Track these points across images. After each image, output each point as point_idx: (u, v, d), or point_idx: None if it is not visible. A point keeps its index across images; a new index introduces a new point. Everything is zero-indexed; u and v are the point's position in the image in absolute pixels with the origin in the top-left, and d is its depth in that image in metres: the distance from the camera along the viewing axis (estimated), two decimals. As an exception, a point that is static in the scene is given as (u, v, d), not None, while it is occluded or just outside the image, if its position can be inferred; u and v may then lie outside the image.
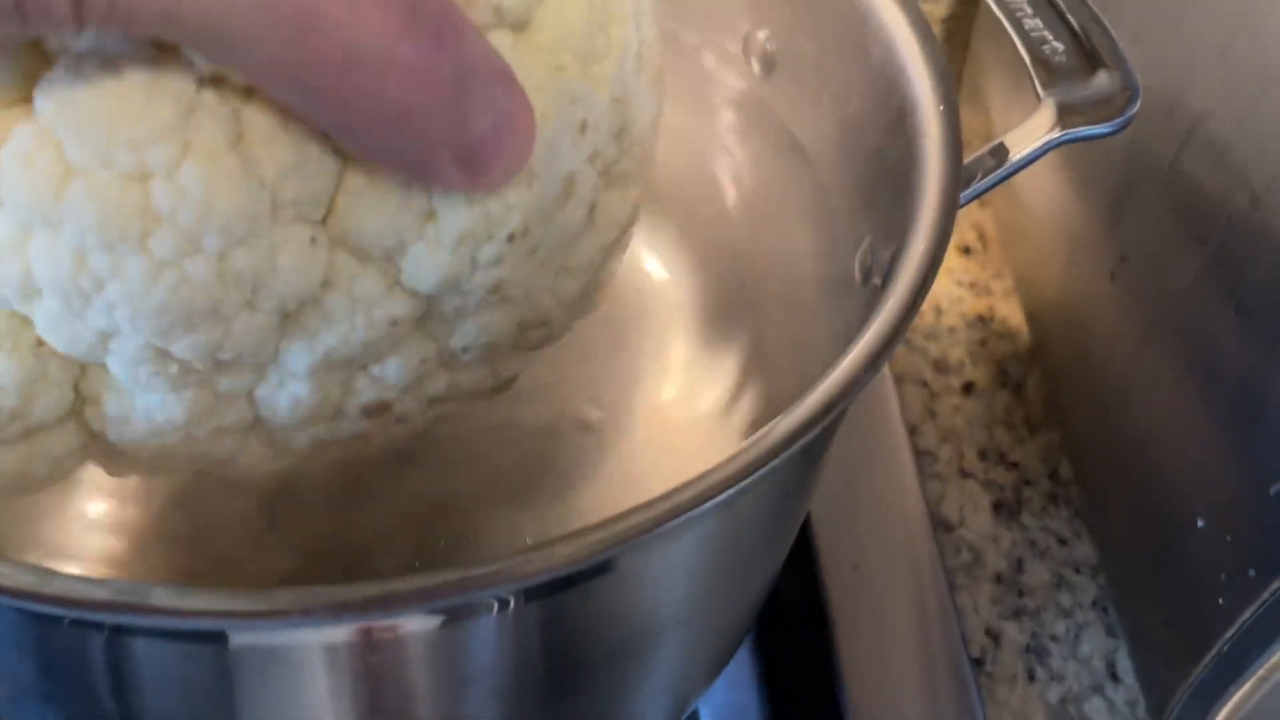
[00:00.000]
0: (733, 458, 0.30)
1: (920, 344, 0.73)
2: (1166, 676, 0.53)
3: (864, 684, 0.57)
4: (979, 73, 0.75)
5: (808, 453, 0.37)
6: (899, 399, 0.69)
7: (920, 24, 0.42)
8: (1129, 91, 0.40)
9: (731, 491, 0.29)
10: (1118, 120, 0.39)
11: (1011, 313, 0.74)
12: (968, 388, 0.71)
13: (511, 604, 0.31)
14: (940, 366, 0.72)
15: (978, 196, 0.39)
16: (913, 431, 0.68)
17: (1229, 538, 0.46)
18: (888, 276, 0.34)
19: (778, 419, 0.30)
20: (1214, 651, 0.47)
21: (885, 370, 0.69)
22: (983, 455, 0.68)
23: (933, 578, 0.61)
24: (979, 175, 0.40)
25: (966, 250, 0.78)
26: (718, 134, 0.46)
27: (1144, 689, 0.57)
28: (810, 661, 0.58)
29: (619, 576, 0.33)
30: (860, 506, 0.63)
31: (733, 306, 0.41)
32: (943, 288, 0.76)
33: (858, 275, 0.39)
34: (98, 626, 0.27)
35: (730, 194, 0.44)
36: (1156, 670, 0.56)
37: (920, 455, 0.67)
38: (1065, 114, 0.40)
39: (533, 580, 0.29)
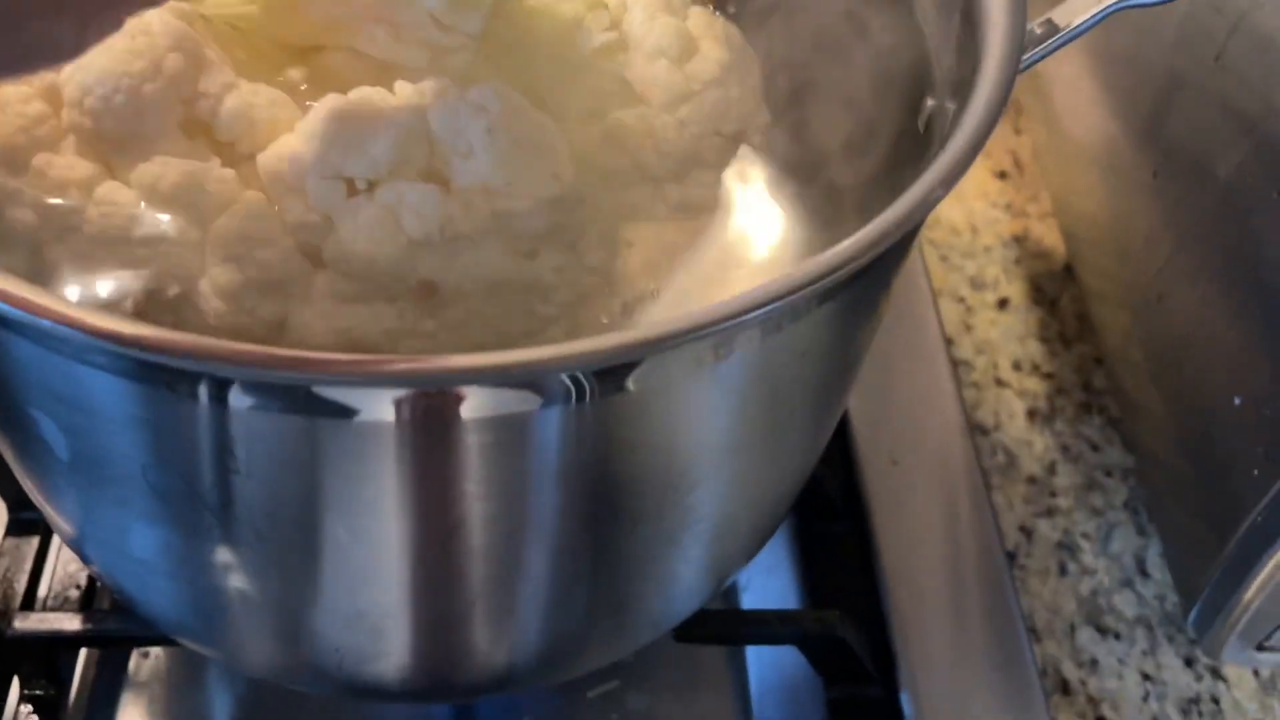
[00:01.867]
0: (808, 263, 0.31)
1: (957, 261, 0.74)
2: (1197, 562, 0.55)
3: (901, 573, 0.59)
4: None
5: (873, 281, 0.38)
6: (936, 313, 0.70)
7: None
8: (1183, -38, 0.41)
9: (809, 290, 0.31)
10: (1173, -12, 0.41)
11: (1046, 234, 0.76)
12: (1003, 303, 0.73)
13: (587, 391, 0.32)
14: (976, 283, 0.74)
15: (1037, 61, 0.41)
16: (950, 343, 0.70)
17: (1266, 411, 0.48)
18: (954, 118, 0.36)
19: (862, 231, 0.32)
20: (1248, 523, 0.48)
21: (924, 283, 0.70)
22: (1017, 366, 0.70)
23: (968, 476, 0.63)
24: (1037, 44, 0.42)
25: (1002, 175, 0.80)
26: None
27: (1175, 579, 0.59)
28: (849, 550, 0.60)
29: (675, 382, 0.33)
30: (899, 407, 0.65)
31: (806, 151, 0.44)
32: (979, 209, 0.77)
33: (920, 128, 0.41)
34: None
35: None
36: (1188, 559, 0.57)
37: (957, 365, 0.69)
38: (1121, -18, 0.41)
39: (607, 360, 0.30)
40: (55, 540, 0.57)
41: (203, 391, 0.30)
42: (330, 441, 0.31)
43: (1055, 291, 0.73)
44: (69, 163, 0.38)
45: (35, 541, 0.56)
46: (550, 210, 0.39)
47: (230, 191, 0.38)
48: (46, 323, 0.28)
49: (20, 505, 0.57)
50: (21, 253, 0.38)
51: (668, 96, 0.43)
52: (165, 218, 0.37)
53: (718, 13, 0.47)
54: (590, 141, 0.42)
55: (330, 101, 0.38)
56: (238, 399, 0.30)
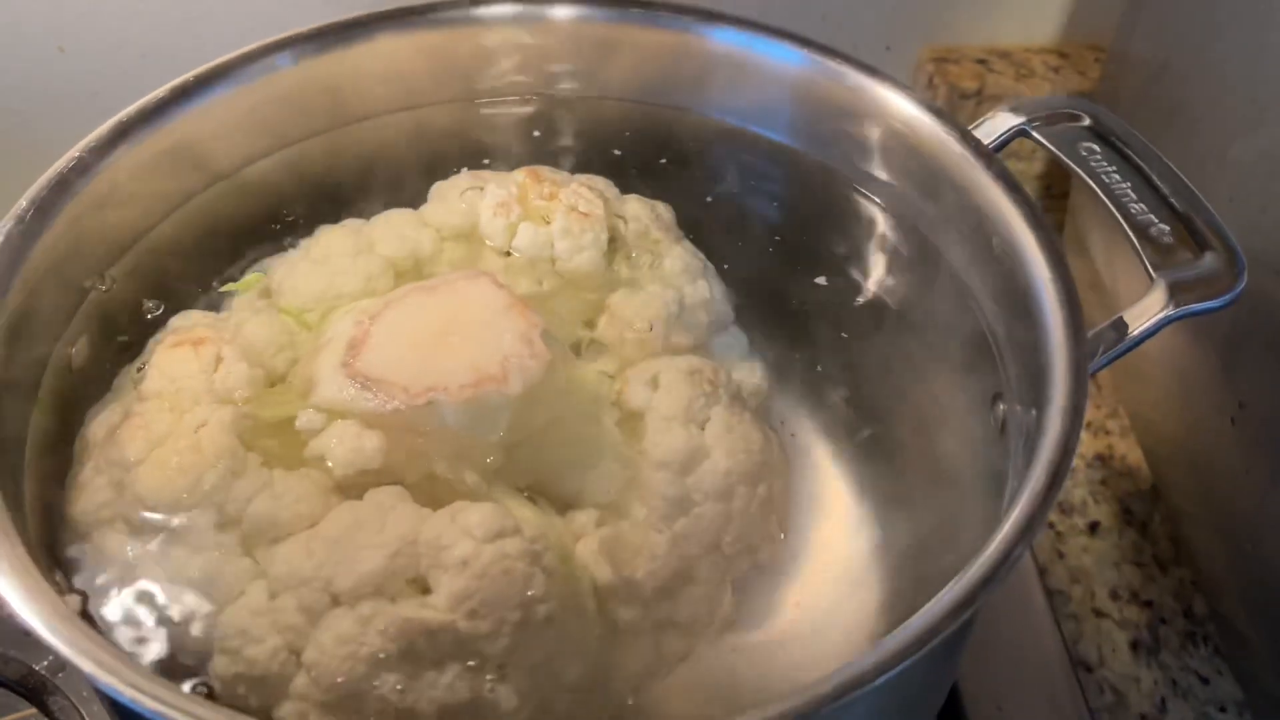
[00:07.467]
0: (895, 634, 0.34)
1: (1043, 485, 0.75)
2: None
3: (1016, 828, 0.58)
4: (1081, 223, 0.79)
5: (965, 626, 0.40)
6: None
7: (1033, 214, 0.47)
8: (1236, 268, 0.43)
9: (899, 668, 0.33)
10: (1227, 295, 0.43)
11: (1130, 451, 0.76)
12: (1093, 527, 0.73)
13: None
14: (1064, 507, 0.74)
15: (1100, 370, 0.43)
16: (1042, 573, 0.70)
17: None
18: (1030, 453, 0.38)
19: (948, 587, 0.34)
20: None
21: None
22: (1114, 594, 0.70)
23: (1077, 718, 0.62)
24: (1101, 349, 0.44)
25: (1080, 391, 0.81)
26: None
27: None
28: (961, 806, 0.60)
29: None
30: (999, 647, 0.65)
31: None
32: (1060, 429, 0.78)
33: (995, 426, 0.44)
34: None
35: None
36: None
37: (1052, 595, 0.69)
38: (1177, 292, 0.43)
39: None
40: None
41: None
42: None
43: (1145, 513, 0.73)
44: (119, 541, 0.43)
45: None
46: (516, 632, 0.40)
47: (241, 584, 0.42)
48: None
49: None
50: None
51: (666, 507, 0.43)
52: (190, 600, 0.42)
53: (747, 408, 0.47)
54: (585, 554, 0.43)
55: (339, 517, 0.42)
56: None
